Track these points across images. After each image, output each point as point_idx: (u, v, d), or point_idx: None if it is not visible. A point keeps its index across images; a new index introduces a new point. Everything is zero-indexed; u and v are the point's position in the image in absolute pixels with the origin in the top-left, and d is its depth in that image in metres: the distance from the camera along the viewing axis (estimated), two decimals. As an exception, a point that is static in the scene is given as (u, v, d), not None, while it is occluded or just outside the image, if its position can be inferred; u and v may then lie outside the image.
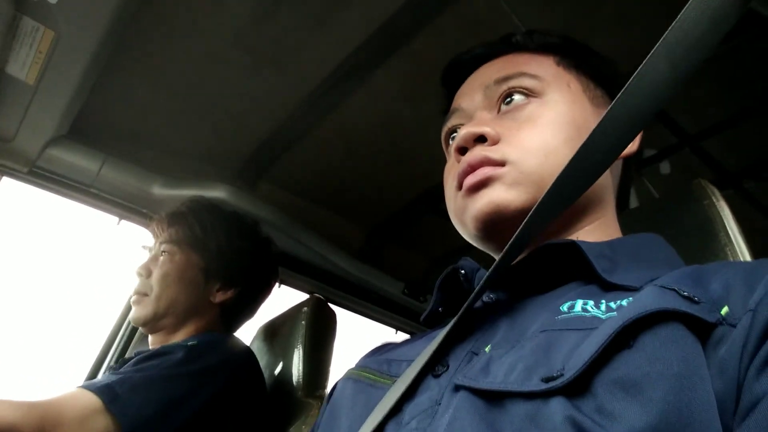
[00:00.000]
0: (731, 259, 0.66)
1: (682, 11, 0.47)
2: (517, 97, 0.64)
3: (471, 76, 0.71)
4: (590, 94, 0.66)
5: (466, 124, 0.65)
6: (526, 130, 0.60)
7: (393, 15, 1.01)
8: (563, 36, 0.70)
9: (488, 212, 0.58)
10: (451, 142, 0.71)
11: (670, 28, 0.47)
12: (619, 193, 0.69)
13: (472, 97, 0.67)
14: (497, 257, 0.52)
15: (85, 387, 0.95)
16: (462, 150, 0.62)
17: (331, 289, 1.65)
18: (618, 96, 0.48)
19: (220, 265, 1.23)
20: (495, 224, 0.59)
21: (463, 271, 0.62)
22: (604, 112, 0.65)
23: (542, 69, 0.65)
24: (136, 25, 1.03)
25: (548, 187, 0.53)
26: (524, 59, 0.67)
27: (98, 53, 0.97)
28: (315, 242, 1.50)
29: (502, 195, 0.58)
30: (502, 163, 0.59)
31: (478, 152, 0.60)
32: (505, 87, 0.65)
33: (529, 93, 0.64)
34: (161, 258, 1.22)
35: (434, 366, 0.51)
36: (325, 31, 1.06)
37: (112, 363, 1.46)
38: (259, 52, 1.10)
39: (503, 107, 0.64)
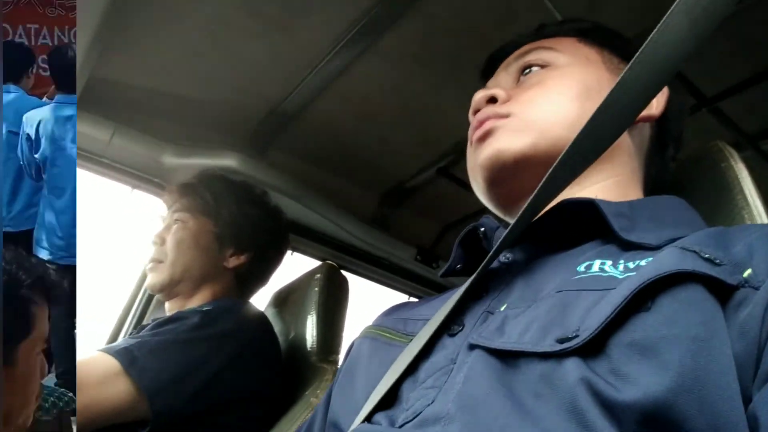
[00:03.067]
0: (748, 222, 0.65)
1: None
2: (534, 69, 0.67)
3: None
4: (611, 66, 0.67)
5: None
6: (534, 89, 0.64)
7: (403, -25, 0.98)
8: (594, 22, 0.73)
9: (491, 157, 0.61)
10: None
11: (690, -18, 0.46)
12: (651, 159, 0.69)
13: (496, 77, 0.73)
14: (510, 220, 0.52)
15: (104, 350, 0.97)
16: (477, 112, 0.66)
17: (343, 255, 1.65)
18: (638, 53, 0.47)
19: (232, 230, 1.25)
20: (498, 171, 0.62)
21: (482, 229, 0.64)
22: None
23: (561, 44, 0.68)
24: (143, -9, 1.01)
25: (551, 135, 0.59)
26: (547, 40, 0.70)
27: (105, 21, 0.96)
28: (326, 209, 1.49)
29: (503, 142, 0.61)
30: (506, 116, 0.62)
31: (487, 109, 0.64)
32: (521, 62, 0.69)
33: (544, 64, 0.67)
34: (175, 226, 1.23)
35: (450, 325, 0.51)
36: (333, -7, 1.03)
37: (129, 330, 1.48)
38: (266, 16, 1.08)
39: (521, 78, 0.69)
